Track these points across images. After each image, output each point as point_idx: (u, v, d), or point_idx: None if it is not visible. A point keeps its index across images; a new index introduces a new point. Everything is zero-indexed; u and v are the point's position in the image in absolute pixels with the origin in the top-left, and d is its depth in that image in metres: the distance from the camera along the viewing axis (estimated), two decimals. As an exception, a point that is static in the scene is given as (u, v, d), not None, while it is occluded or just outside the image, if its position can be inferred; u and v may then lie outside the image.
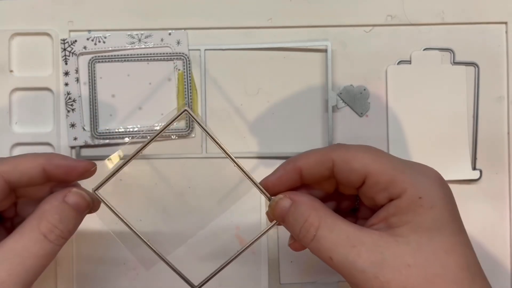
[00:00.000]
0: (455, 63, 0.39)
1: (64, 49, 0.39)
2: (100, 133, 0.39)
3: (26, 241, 0.26)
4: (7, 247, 0.26)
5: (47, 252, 0.26)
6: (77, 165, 0.28)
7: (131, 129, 0.39)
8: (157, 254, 0.30)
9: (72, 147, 0.39)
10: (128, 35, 0.39)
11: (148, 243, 0.29)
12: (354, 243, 0.25)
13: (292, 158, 0.30)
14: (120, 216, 0.29)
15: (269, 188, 0.29)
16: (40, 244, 0.26)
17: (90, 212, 0.30)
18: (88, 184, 0.31)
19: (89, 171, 0.29)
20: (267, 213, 0.30)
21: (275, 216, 0.29)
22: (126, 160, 0.29)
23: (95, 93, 0.39)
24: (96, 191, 0.29)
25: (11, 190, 0.28)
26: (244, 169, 0.29)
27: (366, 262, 0.25)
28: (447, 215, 0.26)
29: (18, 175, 0.27)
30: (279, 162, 0.39)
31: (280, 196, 0.29)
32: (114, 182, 0.30)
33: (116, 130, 0.39)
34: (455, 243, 0.25)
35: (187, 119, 0.39)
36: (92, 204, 0.29)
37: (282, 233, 0.39)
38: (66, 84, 0.39)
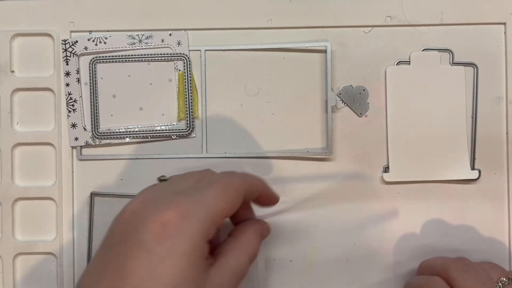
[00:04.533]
0: (454, 63, 0.39)
1: (65, 50, 0.39)
2: (101, 133, 0.39)
3: (241, 261, 0.30)
4: (229, 263, 0.29)
5: (245, 272, 0.30)
6: (275, 199, 0.34)
7: (132, 129, 0.39)
8: None
9: (73, 147, 0.40)
10: (129, 35, 0.40)
11: None
12: None
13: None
14: None
15: None
16: (246, 265, 0.30)
17: None
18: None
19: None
20: None
21: None
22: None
23: (96, 93, 0.39)
24: None
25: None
26: None
27: None
28: None
29: (250, 193, 0.31)
30: (279, 162, 0.40)
31: None
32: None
33: (117, 130, 0.39)
34: None
35: (187, 120, 0.39)
36: None
37: (281, 232, 0.39)
38: (67, 85, 0.40)
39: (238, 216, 0.33)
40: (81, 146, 0.40)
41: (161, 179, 0.32)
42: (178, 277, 0.25)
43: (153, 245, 0.25)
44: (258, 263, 0.36)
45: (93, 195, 0.39)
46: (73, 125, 0.39)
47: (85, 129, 0.39)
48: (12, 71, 0.40)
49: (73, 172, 0.40)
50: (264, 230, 0.33)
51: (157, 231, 0.26)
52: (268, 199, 0.33)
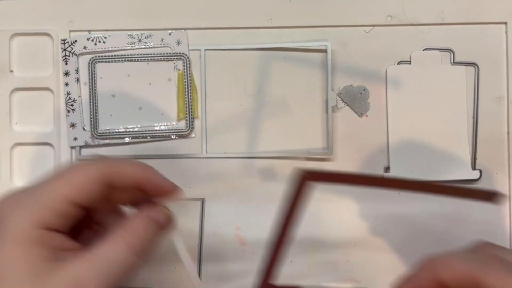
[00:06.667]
0: (455, 63, 0.39)
1: (64, 49, 0.39)
2: (100, 133, 0.39)
3: (116, 250, 0.27)
4: (98, 253, 0.26)
5: (131, 264, 0.27)
6: (172, 189, 0.30)
7: (131, 129, 0.39)
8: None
9: (72, 147, 0.39)
10: (128, 35, 0.40)
11: None
12: None
13: (429, 262, 0.27)
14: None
15: None
16: (126, 256, 0.27)
17: None
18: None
19: (174, 196, 0.30)
20: None
21: None
22: None
23: (95, 93, 0.39)
24: None
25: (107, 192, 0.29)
26: None
27: None
28: None
29: (118, 179, 0.28)
30: (279, 162, 0.39)
31: None
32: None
33: (116, 130, 0.39)
34: None
35: (187, 120, 0.39)
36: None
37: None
38: (66, 84, 0.39)
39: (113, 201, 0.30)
40: (80, 146, 0.39)
41: None
42: (6, 266, 0.25)
43: None
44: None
45: None
46: (72, 125, 0.39)
47: (84, 129, 0.39)
48: (11, 71, 0.40)
49: (72, 172, 0.40)
50: (159, 216, 0.29)
51: None
52: (155, 186, 0.29)
